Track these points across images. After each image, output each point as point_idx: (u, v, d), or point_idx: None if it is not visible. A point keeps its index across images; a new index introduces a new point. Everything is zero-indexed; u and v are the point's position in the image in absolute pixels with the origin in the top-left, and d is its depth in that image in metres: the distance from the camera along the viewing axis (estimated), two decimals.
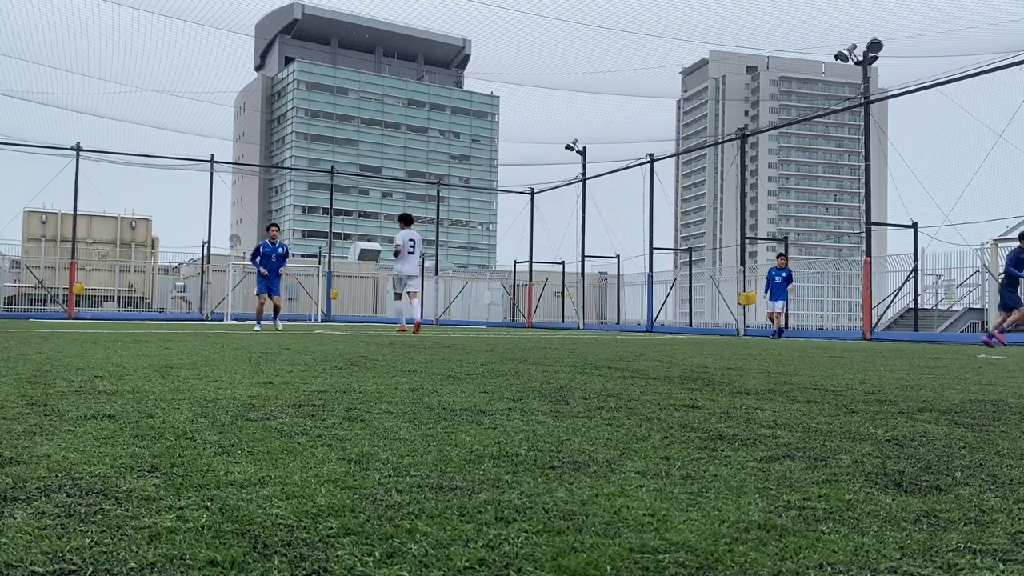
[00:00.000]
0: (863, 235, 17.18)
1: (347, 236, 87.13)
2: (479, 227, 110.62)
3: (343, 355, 6.03)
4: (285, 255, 14.27)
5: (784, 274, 16.63)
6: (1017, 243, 12.43)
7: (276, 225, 15.08)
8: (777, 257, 17.22)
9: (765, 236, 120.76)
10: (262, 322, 14.00)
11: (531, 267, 28.06)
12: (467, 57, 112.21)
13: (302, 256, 58.38)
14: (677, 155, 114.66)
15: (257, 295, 14.24)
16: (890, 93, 18.27)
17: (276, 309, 14.03)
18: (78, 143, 22.38)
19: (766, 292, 16.91)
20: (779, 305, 16.44)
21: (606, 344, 9.73)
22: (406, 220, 12.78)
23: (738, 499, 1.53)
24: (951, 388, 4.05)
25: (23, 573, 1.06)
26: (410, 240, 12.58)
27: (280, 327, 13.77)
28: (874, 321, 17.47)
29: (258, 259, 14.02)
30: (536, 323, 27.32)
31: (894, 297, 20.36)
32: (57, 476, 1.63)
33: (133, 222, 28.79)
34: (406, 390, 3.47)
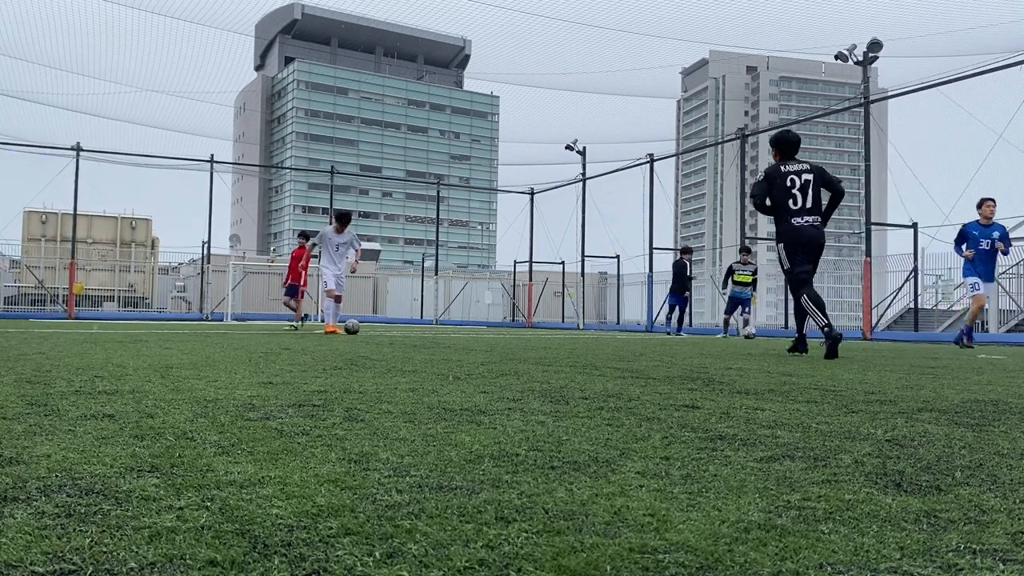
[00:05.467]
0: (863, 235, 17.15)
1: None
2: (479, 227, 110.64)
3: (343, 355, 6.03)
4: None
5: (996, 234, 10.37)
6: None
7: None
8: (981, 205, 10.47)
9: (765, 236, 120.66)
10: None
11: (531, 267, 28.06)
12: (467, 57, 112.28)
13: None
14: (677, 155, 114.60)
15: None
16: (890, 93, 18.27)
17: None
18: (78, 143, 22.38)
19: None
20: (991, 287, 11.18)
21: (606, 344, 9.73)
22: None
23: (738, 499, 1.53)
24: (951, 388, 4.05)
25: (23, 573, 1.06)
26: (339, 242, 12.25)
27: None
28: (874, 321, 17.47)
29: None
30: (536, 323, 27.31)
31: (894, 297, 20.36)
32: (57, 476, 1.63)
33: (133, 222, 28.80)
34: (406, 390, 3.47)
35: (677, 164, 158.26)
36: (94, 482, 1.58)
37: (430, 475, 1.70)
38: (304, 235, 15.33)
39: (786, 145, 7.47)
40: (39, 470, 1.69)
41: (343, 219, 12.29)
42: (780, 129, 7.94)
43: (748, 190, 7.41)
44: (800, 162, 7.40)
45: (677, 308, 17.83)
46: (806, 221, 7.22)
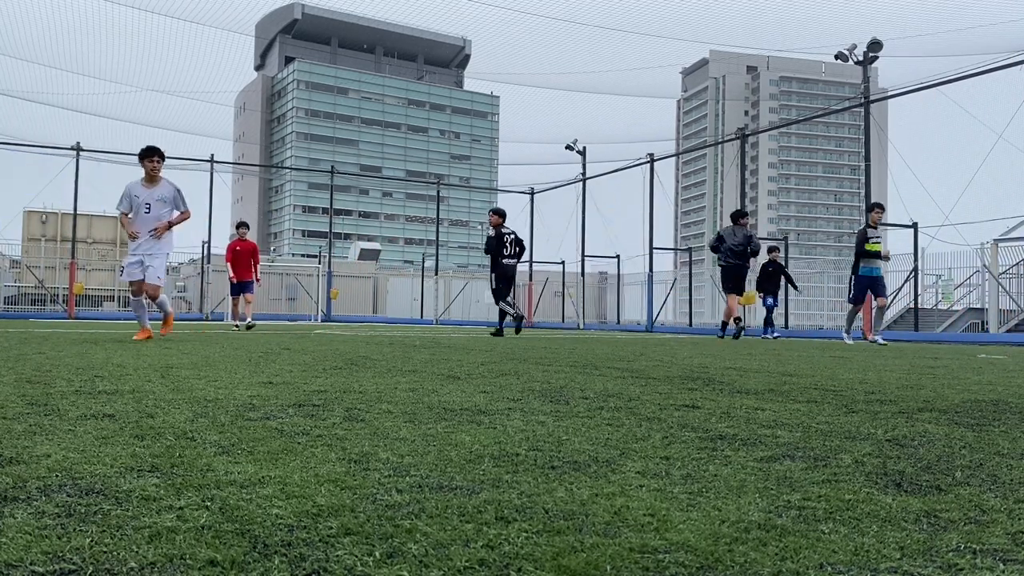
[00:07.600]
0: None
1: (347, 236, 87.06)
2: (479, 227, 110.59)
3: (343, 355, 6.03)
4: None
5: None
6: None
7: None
8: None
9: (765, 236, 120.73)
10: None
11: (531, 267, 28.05)
12: (467, 57, 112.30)
13: (302, 256, 58.39)
14: (677, 155, 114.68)
15: None
16: (890, 93, 18.28)
17: None
18: (78, 143, 22.37)
19: None
20: None
21: (606, 344, 9.72)
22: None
23: (738, 499, 1.53)
24: (951, 388, 4.05)
25: (23, 573, 1.06)
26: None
27: None
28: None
29: None
30: (536, 323, 27.31)
31: (894, 297, 20.35)
32: (57, 476, 1.63)
33: None
34: (406, 390, 3.47)
35: (677, 164, 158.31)
36: (94, 482, 1.58)
37: (430, 475, 1.70)
38: (243, 224, 14.49)
39: (503, 215, 12.71)
40: (39, 470, 1.68)
41: (148, 156, 7.93)
42: (496, 207, 13.04)
43: (485, 243, 12.58)
44: (508, 228, 12.68)
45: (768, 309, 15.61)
46: (509, 263, 12.47)
